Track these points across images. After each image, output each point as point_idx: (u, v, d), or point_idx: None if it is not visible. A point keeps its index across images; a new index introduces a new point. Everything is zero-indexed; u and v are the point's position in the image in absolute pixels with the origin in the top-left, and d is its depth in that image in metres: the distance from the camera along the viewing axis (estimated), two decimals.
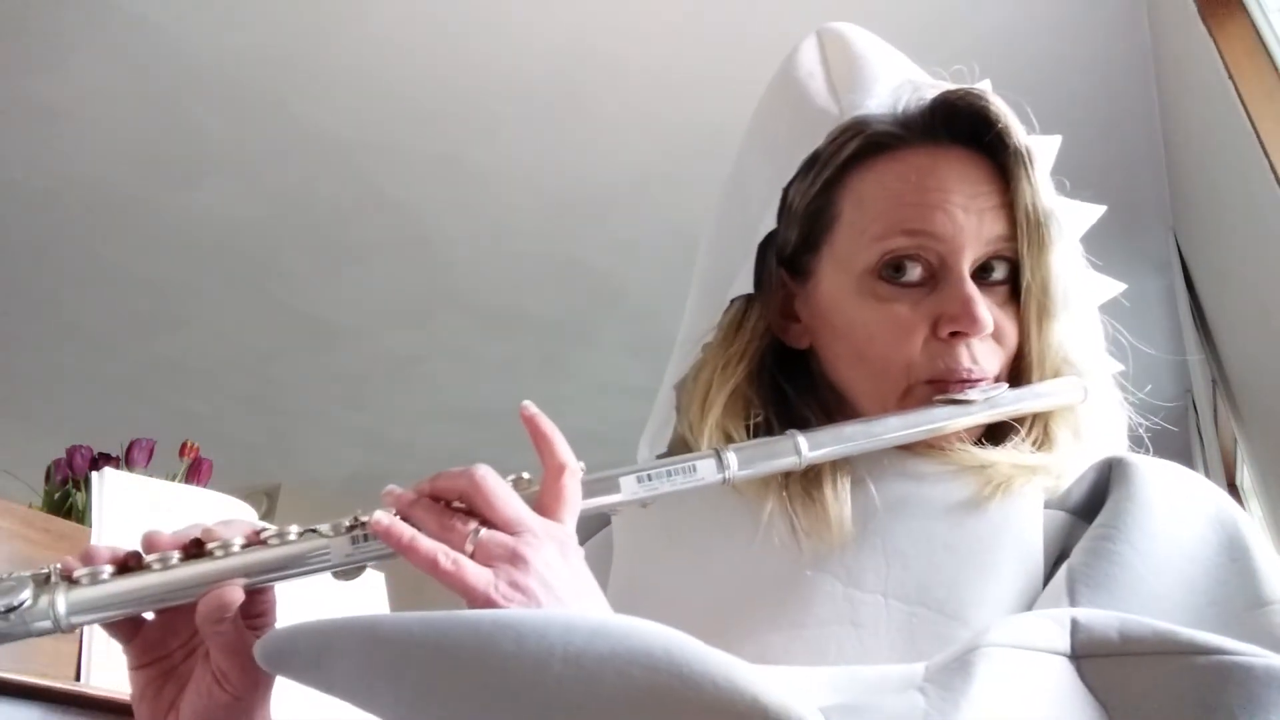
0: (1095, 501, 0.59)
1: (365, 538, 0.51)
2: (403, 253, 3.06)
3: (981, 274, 0.64)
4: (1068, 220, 0.66)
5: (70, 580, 0.49)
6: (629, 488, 0.55)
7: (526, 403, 0.54)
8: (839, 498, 0.61)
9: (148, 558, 0.50)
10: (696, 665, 0.40)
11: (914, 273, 0.64)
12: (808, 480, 0.62)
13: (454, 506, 0.51)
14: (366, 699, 0.43)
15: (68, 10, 2.25)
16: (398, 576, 1.08)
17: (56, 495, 1.45)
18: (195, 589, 0.50)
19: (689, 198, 2.72)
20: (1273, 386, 1.82)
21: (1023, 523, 0.59)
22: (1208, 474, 2.73)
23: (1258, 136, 1.54)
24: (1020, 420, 0.65)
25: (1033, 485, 0.61)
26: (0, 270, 3.12)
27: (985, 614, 0.55)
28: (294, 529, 0.51)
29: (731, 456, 0.57)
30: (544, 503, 0.52)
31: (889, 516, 0.61)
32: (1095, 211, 0.69)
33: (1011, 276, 0.65)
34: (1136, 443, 0.68)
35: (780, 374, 0.69)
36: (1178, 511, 0.56)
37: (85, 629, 1.10)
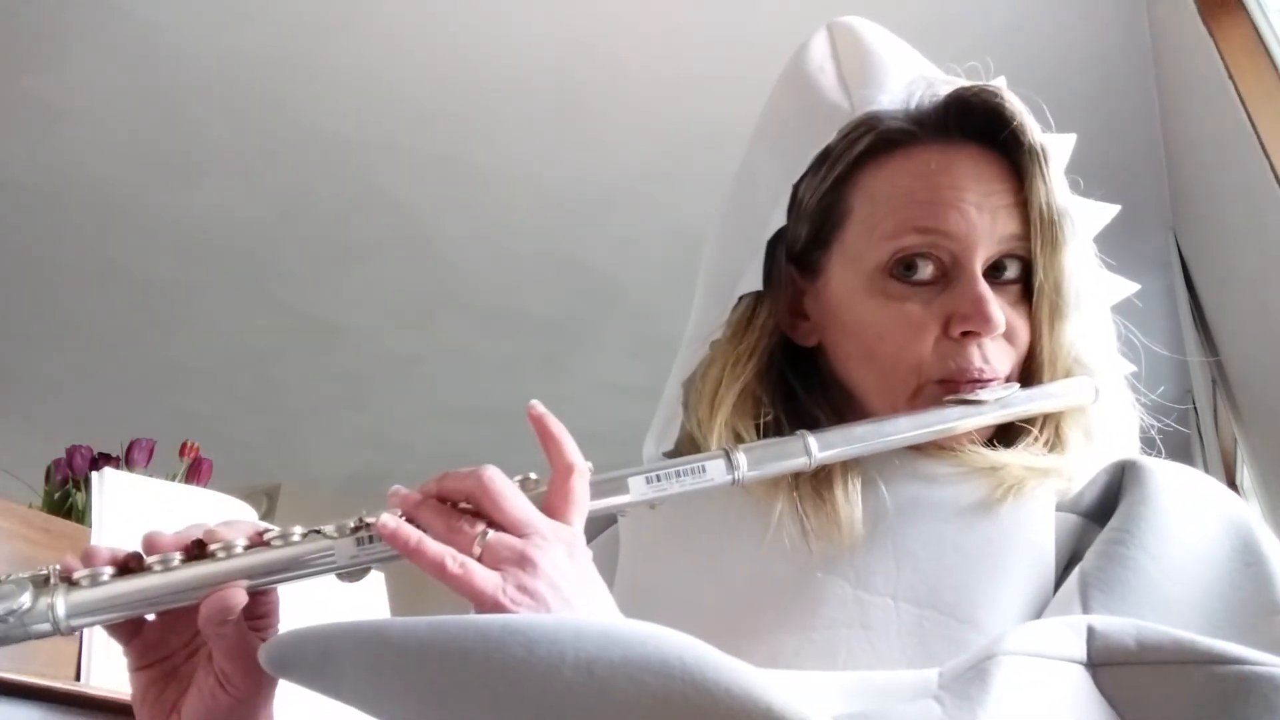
0: (1107, 504, 0.59)
1: (370, 539, 0.50)
2: (403, 253, 3.06)
3: (994, 273, 0.64)
4: (1081, 219, 0.65)
5: (70, 582, 0.48)
6: (637, 489, 0.55)
7: (534, 402, 0.53)
8: (850, 499, 0.61)
9: (149, 559, 0.50)
10: (710, 673, 0.39)
11: (925, 271, 0.63)
12: (818, 481, 0.62)
13: (461, 508, 0.50)
14: (373, 705, 0.43)
15: (68, 10, 2.25)
16: (398, 577, 1.08)
17: (56, 495, 1.44)
18: (197, 591, 0.49)
19: (689, 197, 2.72)
20: (1273, 386, 1.81)
21: (1034, 525, 0.59)
22: (1207, 474, 2.72)
23: (1258, 136, 1.54)
24: (1032, 421, 0.64)
25: (1044, 488, 0.60)
26: (0, 270, 3.12)
27: (996, 617, 0.54)
28: (298, 530, 0.51)
29: (741, 457, 0.57)
30: (552, 504, 0.51)
31: (900, 518, 0.60)
32: (1109, 211, 0.69)
33: (1024, 275, 0.64)
34: (1149, 444, 0.68)
35: (790, 372, 0.69)
36: (1191, 516, 0.56)
37: (85, 629, 1.10)
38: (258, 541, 0.51)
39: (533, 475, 0.53)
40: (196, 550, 0.51)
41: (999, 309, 0.61)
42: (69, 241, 2.99)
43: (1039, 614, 0.55)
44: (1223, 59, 1.65)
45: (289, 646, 0.44)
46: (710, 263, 0.73)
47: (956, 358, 0.62)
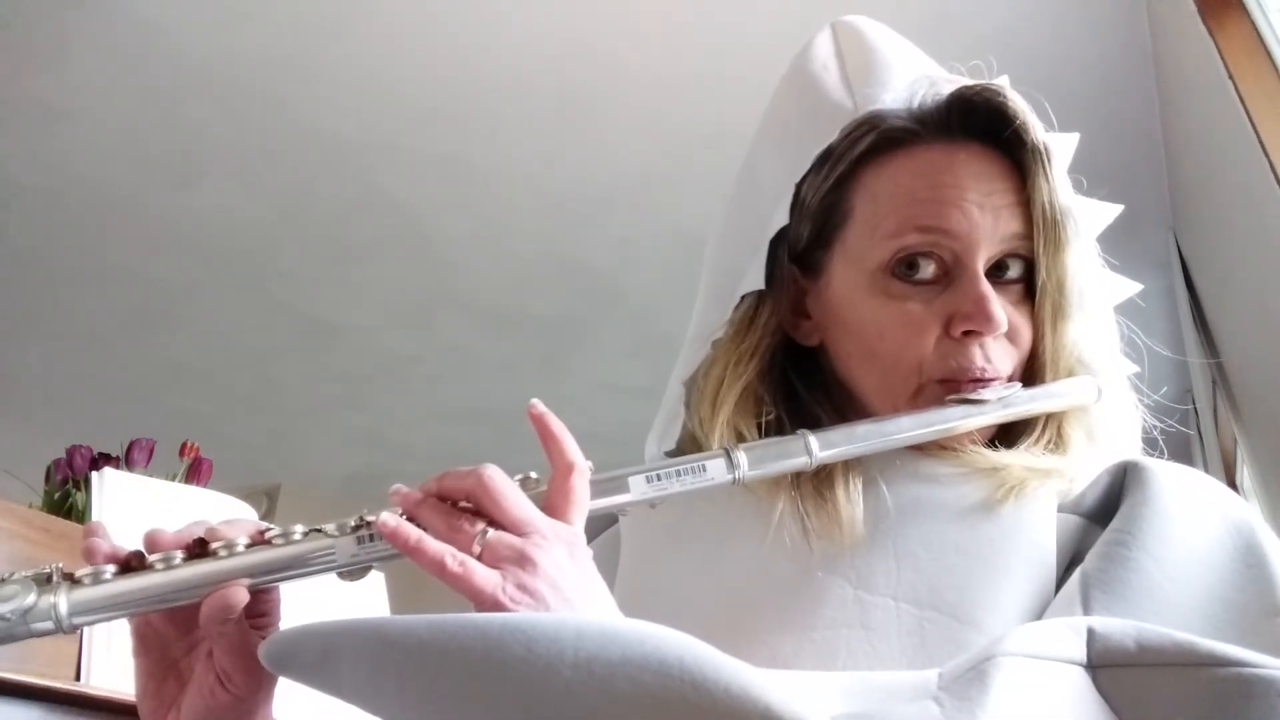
0: (1109, 506, 0.59)
1: (371, 538, 0.51)
2: (403, 253, 3.06)
3: (996, 272, 0.64)
4: (1084, 219, 0.65)
5: (72, 580, 0.48)
6: (638, 488, 0.55)
7: (535, 401, 0.53)
8: (851, 499, 0.60)
9: (151, 557, 0.50)
10: (710, 672, 0.39)
11: (927, 270, 0.63)
12: (819, 480, 0.62)
13: (461, 507, 0.50)
14: (373, 702, 0.43)
15: (68, 10, 2.25)
16: (398, 576, 1.08)
17: (56, 495, 1.44)
18: (199, 589, 0.49)
19: (689, 197, 2.72)
20: (1273, 386, 1.81)
21: (1036, 526, 0.59)
22: (1207, 474, 2.72)
23: (1258, 136, 1.54)
24: (1034, 422, 0.64)
25: (1046, 488, 0.60)
26: (0, 270, 3.12)
27: (997, 618, 0.54)
28: (299, 529, 0.51)
29: (742, 456, 0.57)
30: (552, 503, 0.51)
31: (901, 519, 0.60)
32: (1112, 210, 0.69)
33: (1026, 275, 0.64)
34: (1149, 445, 0.68)
35: (792, 372, 0.69)
36: (1193, 517, 0.55)
37: (85, 628, 1.10)
38: (259, 540, 0.51)
39: (533, 474, 0.53)
40: (198, 549, 0.51)
41: (1001, 308, 0.61)
42: (69, 241, 2.99)
43: (1040, 615, 0.55)
44: (1223, 59, 1.65)
45: (289, 644, 0.44)
46: (712, 262, 0.73)
47: (958, 357, 0.62)
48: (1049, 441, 0.64)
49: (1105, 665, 0.43)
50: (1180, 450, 3.07)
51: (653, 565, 0.66)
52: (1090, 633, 0.44)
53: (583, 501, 0.52)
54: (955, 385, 0.62)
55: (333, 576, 0.52)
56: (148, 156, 2.68)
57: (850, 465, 0.62)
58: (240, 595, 0.49)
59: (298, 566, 0.51)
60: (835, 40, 0.71)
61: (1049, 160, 0.63)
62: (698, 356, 0.69)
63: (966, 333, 0.62)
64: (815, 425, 0.61)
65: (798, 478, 0.62)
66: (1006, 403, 0.61)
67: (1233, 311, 2.12)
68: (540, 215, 2.89)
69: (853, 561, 0.59)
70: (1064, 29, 2.23)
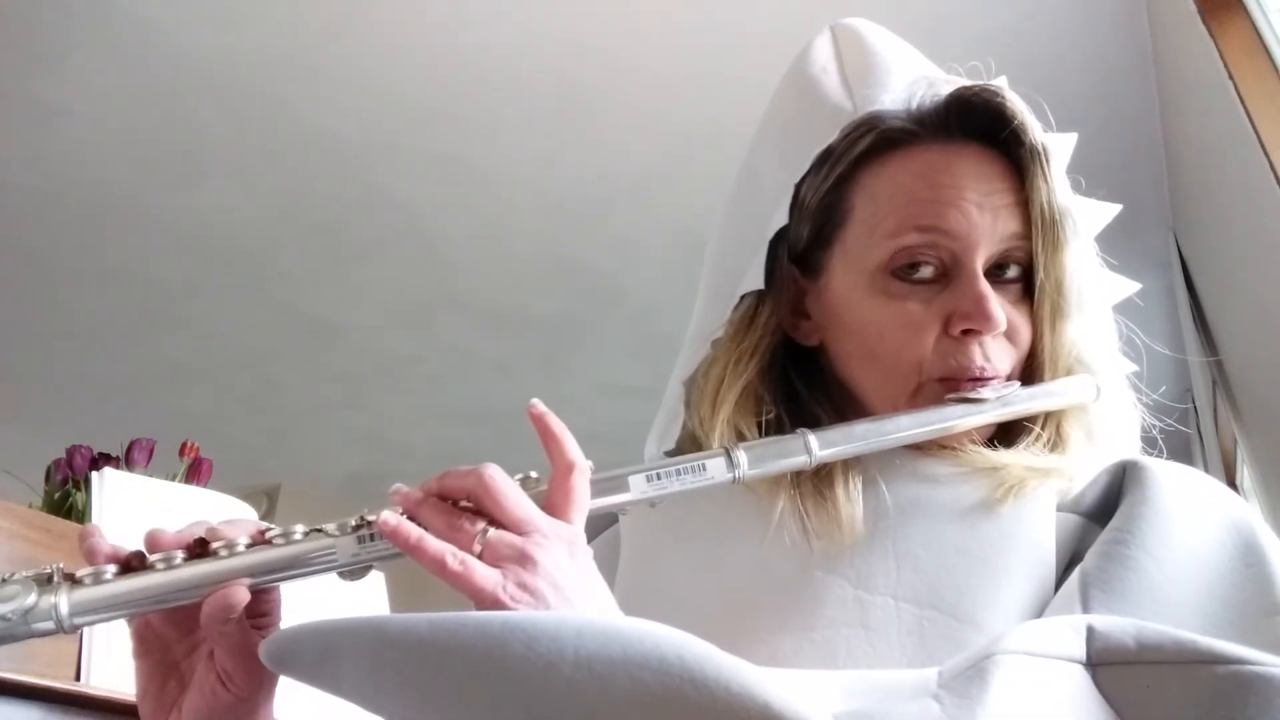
0: (1108, 505, 0.59)
1: (372, 537, 0.51)
2: (403, 253, 3.06)
3: (995, 272, 0.64)
4: (1083, 219, 0.65)
5: (73, 580, 0.48)
6: (638, 487, 0.55)
7: (535, 401, 0.53)
8: (851, 498, 0.61)
9: (151, 557, 0.50)
10: (709, 670, 0.39)
11: (926, 270, 0.63)
12: (819, 480, 0.62)
13: (462, 506, 0.51)
14: (373, 701, 0.43)
15: (68, 10, 2.25)
16: (398, 576, 1.08)
17: (56, 495, 1.44)
18: (200, 589, 0.49)
19: (689, 197, 2.72)
20: (1273, 386, 1.81)
21: (1035, 526, 0.59)
22: (1207, 474, 2.72)
23: (1258, 136, 1.54)
24: (1033, 421, 0.64)
25: (1045, 488, 0.60)
26: (0, 270, 3.12)
27: (997, 617, 0.54)
28: (299, 528, 0.51)
29: (741, 455, 0.57)
30: (553, 502, 0.52)
31: (900, 518, 0.60)
32: (1110, 210, 0.69)
33: (1025, 275, 0.65)
34: (1150, 444, 0.68)
35: (792, 371, 0.69)
36: (1193, 516, 0.56)
37: (86, 628, 1.10)
38: (260, 540, 0.51)
39: (533, 474, 0.53)
40: (199, 549, 0.51)
41: (1000, 307, 0.62)
42: (69, 241, 2.99)
43: (1040, 614, 0.55)
44: (1223, 59, 1.65)
45: (289, 642, 0.44)
46: (712, 262, 0.73)
47: (957, 355, 0.62)
48: (1048, 441, 0.64)
49: (1105, 663, 0.43)
50: (1180, 450, 3.07)
51: (653, 564, 0.66)
52: (1090, 631, 0.44)
53: (583, 501, 0.52)
54: (954, 384, 0.62)
55: (334, 576, 0.52)
56: (148, 156, 2.68)
57: (850, 465, 0.62)
58: (241, 595, 0.49)
59: (298, 566, 0.51)
60: (834, 42, 0.72)
61: (1047, 160, 0.63)
62: (697, 356, 0.69)
63: (966, 332, 0.62)
64: (815, 425, 0.61)
65: (798, 477, 0.62)
66: (1005, 401, 0.62)
67: (1233, 311, 2.12)
68: (540, 215, 2.89)
69: (852, 561, 0.59)
70: (1064, 29, 2.23)
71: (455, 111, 2.55)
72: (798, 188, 0.67)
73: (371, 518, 0.50)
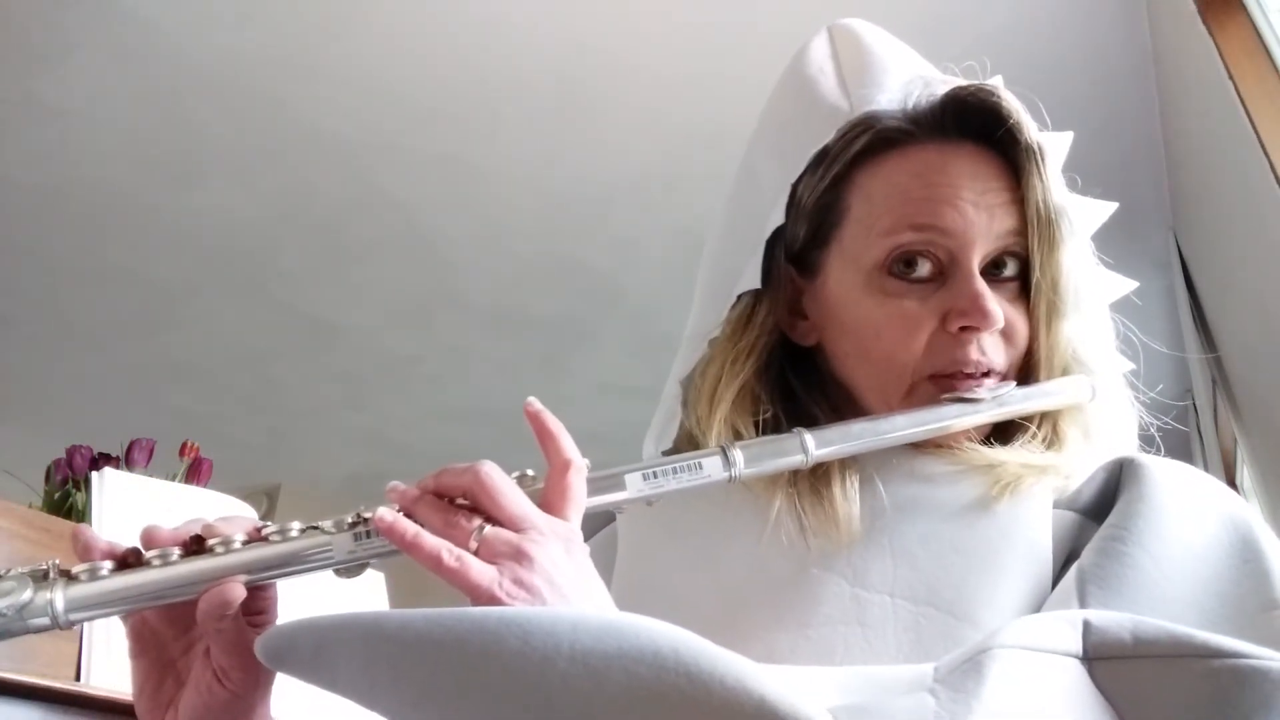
0: (1105, 502, 0.59)
1: (368, 534, 0.51)
2: (403, 252, 3.06)
3: (991, 270, 0.64)
4: (1079, 218, 0.65)
5: (69, 576, 0.48)
6: (634, 485, 0.55)
7: (531, 399, 0.53)
8: (848, 496, 0.61)
9: (148, 554, 0.50)
10: (705, 665, 0.39)
11: (923, 269, 0.63)
12: (816, 478, 0.62)
13: (458, 503, 0.51)
14: (369, 697, 0.43)
15: (68, 10, 2.25)
16: (398, 575, 1.08)
17: (56, 495, 1.44)
18: (196, 586, 0.49)
19: (689, 197, 2.72)
20: (1273, 386, 1.81)
21: (1032, 523, 0.59)
22: (1207, 473, 2.72)
23: (1258, 136, 1.54)
24: (1029, 419, 0.64)
25: (1042, 485, 0.60)
26: (0, 270, 3.12)
27: (994, 615, 0.55)
28: (296, 525, 0.51)
29: (738, 454, 0.57)
30: (549, 500, 0.52)
31: (897, 516, 0.60)
32: (1106, 209, 0.69)
33: (1021, 273, 0.65)
34: (1148, 442, 0.68)
35: (789, 371, 0.69)
36: (1189, 513, 0.56)
37: (85, 628, 1.10)
38: (256, 537, 0.51)
39: (530, 471, 0.54)
40: (195, 545, 0.51)
41: (997, 304, 0.62)
42: (69, 241, 2.99)
43: (1036, 611, 0.55)
44: (1223, 59, 1.65)
45: (285, 638, 0.44)
46: (710, 261, 0.74)
47: (953, 351, 0.62)
48: (1045, 439, 0.64)
49: (1101, 658, 0.43)
50: (1180, 450, 3.07)
51: (649, 563, 0.67)
52: (1086, 625, 0.44)
53: (579, 498, 0.52)
54: (950, 380, 0.63)
55: (332, 576, 0.52)
56: (148, 156, 2.68)
57: (847, 463, 0.62)
58: (237, 591, 0.49)
59: (295, 563, 0.51)
60: (831, 43, 0.72)
61: (1043, 159, 0.64)
62: (695, 356, 0.69)
63: (963, 329, 0.62)
64: (812, 424, 0.61)
65: (795, 475, 0.62)
66: (1001, 401, 0.62)
67: (1233, 311, 2.12)
68: (540, 215, 2.89)
69: (849, 559, 0.59)
70: (1064, 29, 2.23)
71: (455, 111, 2.55)
72: (795, 187, 0.67)
73: (368, 515, 0.50)
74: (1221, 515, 0.56)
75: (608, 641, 0.40)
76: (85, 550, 0.50)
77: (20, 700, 1.00)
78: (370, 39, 2.35)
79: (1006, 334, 0.64)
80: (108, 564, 0.49)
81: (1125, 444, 0.67)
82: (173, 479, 1.53)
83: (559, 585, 0.47)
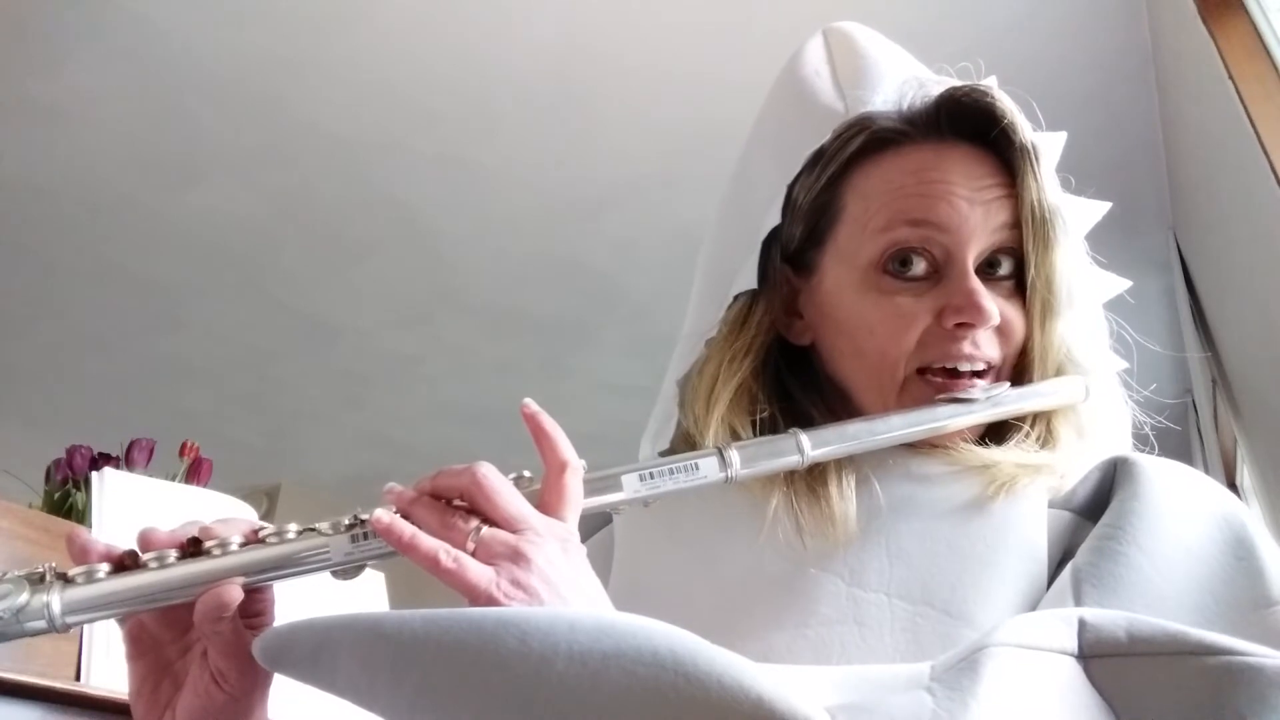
0: (1100, 501, 0.59)
1: (365, 536, 0.51)
2: (403, 252, 3.06)
3: (987, 269, 0.65)
4: (1073, 217, 0.66)
5: (65, 579, 0.48)
6: (631, 486, 0.55)
7: (527, 400, 0.54)
8: (844, 496, 0.61)
9: (144, 556, 0.50)
10: (702, 664, 0.39)
11: (918, 267, 0.64)
12: (813, 478, 0.62)
13: (455, 504, 0.51)
14: (367, 698, 0.43)
15: (68, 10, 2.25)
16: (398, 577, 1.08)
17: (56, 495, 1.44)
18: (193, 588, 0.49)
19: (689, 197, 2.72)
20: (1273, 386, 1.81)
21: (1026, 523, 0.59)
22: (1207, 474, 2.72)
23: (1258, 136, 1.54)
24: (1024, 419, 0.65)
25: (1036, 485, 0.61)
26: (0, 270, 3.12)
27: (990, 614, 0.55)
28: (293, 527, 0.51)
29: (734, 455, 0.57)
30: (546, 500, 0.52)
31: (893, 516, 0.61)
32: (1100, 208, 0.69)
33: (1016, 272, 0.65)
34: (1141, 441, 0.68)
35: (785, 370, 0.69)
36: (1183, 511, 0.56)
37: (85, 628, 1.10)
38: (253, 539, 0.51)
39: (527, 473, 0.54)
40: (192, 548, 0.51)
41: (991, 302, 0.62)
42: (69, 241, 3.00)
43: (1032, 610, 0.55)
44: (1223, 59, 1.65)
45: (283, 639, 0.45)
46: (707, 262, 0.74)
47: (946, 344, 0.63)
48: (1039, 438, 0.64)
49: (1096, 655, 0.43)
50: (1180, 450, 3.07)
51: (647, 565, 0.67)
52: (1081, 623, 0.44)
53: (576, 499, 0.53)
54: (944, 376, 0.63)
55: (330, 578, 0.52)
56: (148, 156, 2.68)
57: (843, 463, 0.62)
58: (234, 593, 0.49)
59: (292, 565, 0.51)
60: (826, 45, 0.73)
61: (1037, 159, 0.64)
62: (691, 356, 0.70)
63: (958, 325, 0.63)
64: (808, 423, 0.61)
65: (791, 475, 0.62)
66: (995, 401, 0.62)
67: (1233, 311, 2.12)
68: (540, 215, 2.89)
69: (846, 559, 0.59)
70: (1064, 29, 2.23)
71: (455, 111, 2.55)
72: (790, 188, 0.67)
73: (365, 516, 0.51)
74: (1216, 513, 0.57)
75: (605, 641, 0.40)
76: (82, 553, 0.50)
77: (20, 700, 1.00)
78: (370, 39, 2.35)
79: (1001, 330, 0.64)
80: (104, 566, 0.49)
81: (1119, 443, 0.67)
82: (173, 479, 1.53)
83: (556, 586, 0.47)
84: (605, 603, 0.51)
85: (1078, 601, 0.51)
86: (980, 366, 0.64)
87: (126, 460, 1.56)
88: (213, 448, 1.73)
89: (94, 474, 1.19)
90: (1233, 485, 2.65)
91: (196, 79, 2.45)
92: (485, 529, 0.49)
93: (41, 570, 0.48)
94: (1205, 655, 0.41)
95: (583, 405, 3.65)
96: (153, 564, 0.49)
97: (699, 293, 0.73)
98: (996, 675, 0.41)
